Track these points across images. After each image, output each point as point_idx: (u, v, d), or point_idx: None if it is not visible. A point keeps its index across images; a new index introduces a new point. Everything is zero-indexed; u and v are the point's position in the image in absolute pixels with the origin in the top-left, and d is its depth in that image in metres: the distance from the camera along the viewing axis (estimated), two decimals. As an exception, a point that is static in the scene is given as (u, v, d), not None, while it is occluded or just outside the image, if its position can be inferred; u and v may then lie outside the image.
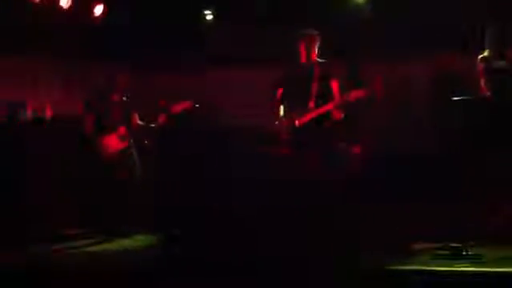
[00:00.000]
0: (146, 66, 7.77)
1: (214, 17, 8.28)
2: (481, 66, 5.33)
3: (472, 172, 5.09)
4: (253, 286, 4.23)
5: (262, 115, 5.73)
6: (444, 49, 7.18)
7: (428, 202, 5.25)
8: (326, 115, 5.38)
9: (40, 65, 7.85)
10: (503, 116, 5.15)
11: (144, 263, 4.84)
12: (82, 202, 6.19)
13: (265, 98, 5.67)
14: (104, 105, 6.03)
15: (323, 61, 5.50)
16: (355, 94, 5.29)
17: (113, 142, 5.97)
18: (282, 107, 5.57)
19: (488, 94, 5.27)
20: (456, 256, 4.43)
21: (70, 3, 7.35)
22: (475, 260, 4.33)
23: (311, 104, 5.38)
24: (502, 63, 5.26)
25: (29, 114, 7.51)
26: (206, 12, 8.29)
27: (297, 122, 5.39)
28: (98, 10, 7.64)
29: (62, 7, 7.35)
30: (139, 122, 6.17)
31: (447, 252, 4.52)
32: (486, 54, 5.34)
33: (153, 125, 6.12)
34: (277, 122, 5.52)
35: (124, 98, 6.12)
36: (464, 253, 4.46)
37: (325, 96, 5.39)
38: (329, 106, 5.36)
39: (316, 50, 5.50)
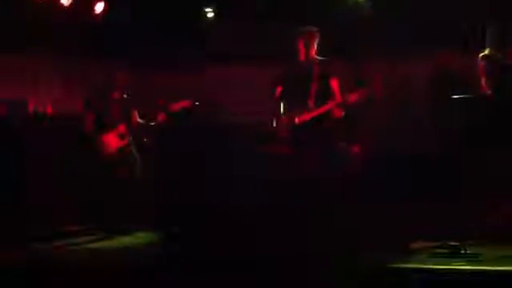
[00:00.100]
0: (146, 63, 7.76)
1: (215, 14, 8.27)
2: (481, 64, 5.33)
3: (472, 171, 5.09)
4: (252, 284, 4.23)
5: (262, 113, 5.73)
6: (444, 47, 7.17)
7: (428, 202, 5.25)
8: (326, 114, 5.37)
9: (40, 62, 7.84)
10: (503, 115, 5.15)
11: (144, 261, 4.85)
12: (82, 200, 6.20)
13: (265, 96, 5.67)
14: (104, 103, 6.03)
15: (323, 59, 5.48)
16: (355, 96, 5.28)
17: (112, 140, 5.97)
18: (281, 106, 5.56)
19: (488, 92, 5.28)
20: (454, 254, 4.45)
21: (70, 1, 7.34)
22: (473, 259, 4.35)
23: (311, 103, 5.37)
24: (505, 61, 5.26)
25: (29, 111, 7.51)
26: (207, 9, 8.28)
27: (296, 121, 5.39)
28: (99, 7, 7.63)
29: (62, 5, 7.34)
30: (139, 120, 6.17)
31: (445, 250, 4.54)
32: (486, 52, 5.35)
33: (152, 123, 6.13)
34: (275, 121, 5.51)
35: (124, 96, 6.13)
36: (462, 251, 4.48)
37: (324, 94, 5.38)
38: (328, 106, 5.36)
39: (315, 47, 5.49)
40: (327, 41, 5.54)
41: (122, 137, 6.01)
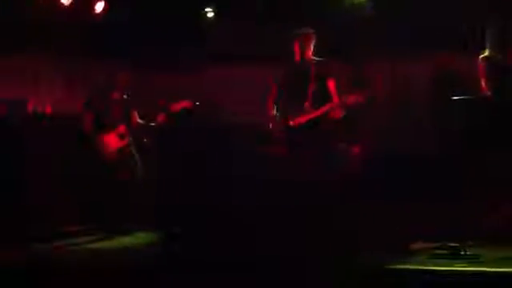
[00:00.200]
0: (147, 63, 7.76)
1: (215, 14, 8.27)
2: (481, 65, 5.33)
3: (472, 172, 5.10)
4: (252, 284, 4.24)
5: (262, 113, 5.73)
6: (444, 48, 7.18)
7: (428, 202, 5.25)
8: (323, 116, 5.35)
9: (40, 62, 7.84)
10: (503, 116, 5.16)
11: (144, 261, 4.85)
12: (82, 200, 6.21)
13: (266, 96, 5.67)
14: (104, 103, 6.04)
15: (319, 60, 5.46)
16: (353, 98, 5.26)
17: (112, 141, 5.97)
18: (277, 107, 5.55)
19: (488, 93, 5.28)
20: (454, 256, 4.46)
21: (70, 0, 7.34)
22: (472, 260, 4.35)
23: (307, 104, 5.35)
24: (505, 63, 5.27)
25: (28, 111, 7.51)
26: (207, 9, 8.28)
27: (292, 123, 5.37)
28: (99, 7, 7.63)
29: (62, 4, 7.34)
30: (139, 120, 6.18)
31: (445, 252, 4.54)
32: (486, 53, 5.35)
33: (152, 123, 6.13)
34: (271, 122, 5.49)
35: (124, 96, 6.13)
36: (462, 252, 4.49)
37: (321, 96, 5.37)
38: (326, 108, 5.33)
39: (311, 48, 5.47)
40: (327, 42, 5.54)
41: (122, 137, 6.01)
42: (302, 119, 5.34)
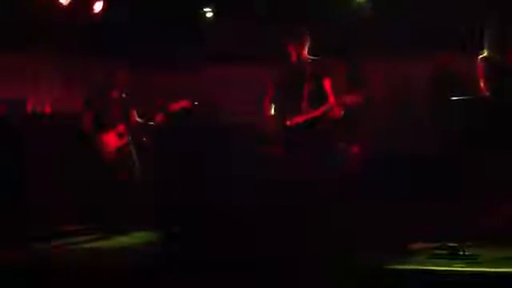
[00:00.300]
0: (146, 63, 7.76)
1: (214, 14, 8.27)
2: (480, 66, 5.34)
3: (471, 172, 5.10)
4: (252, 284, 4.24)
5: (261, 113, 5.73)
6: (444, 49, 7.18)
7: (427, 202, 5.26)
8: (321, 116, 5.33)
9: (39, 61, 7.84)
10: (503, 116, 5.16)
11: (144, 260, 4.85)
12: (82, 200, 6.20)
13: (264, 96, 5.66)
14: (103, 102, 6.03)
15: (315, 59, 5.44)
16: (352, 98, 5.25)
17: (111, 140, 5.97)
18: (274, 107, 5.54)
19: (487, 94, 5.28)
20: (453, 256, 4.46)
21: (69, 0, 7.33)
22: (471, 260, 4.36)
23: (304, 104, 5.34)
24: (504, 63, 5.27)
25: (28, 110, 7.51)
26: (206, 9, 8.28)
27: (289, 123, 5.36)
28: (98, 6, 7.63)
29: (61, 4, 7.33)
30: (138, 120, 6.17)
31: (445, 252, 4.55)
32: (485, 54, 5.35)
33: (151, 122, 6.13)
34: (268, 122, 5.49)
35: (123, 95, 6.12)
36: (460, 253, 4.49)
37: (318, 95, 5.35)
38: (323, 108, 5.32)
39: (306, 47, 5.46)
40: (327, 42, 5.53)
41: (121, 136, 6.01)
42: (300, 119, 5.33)
